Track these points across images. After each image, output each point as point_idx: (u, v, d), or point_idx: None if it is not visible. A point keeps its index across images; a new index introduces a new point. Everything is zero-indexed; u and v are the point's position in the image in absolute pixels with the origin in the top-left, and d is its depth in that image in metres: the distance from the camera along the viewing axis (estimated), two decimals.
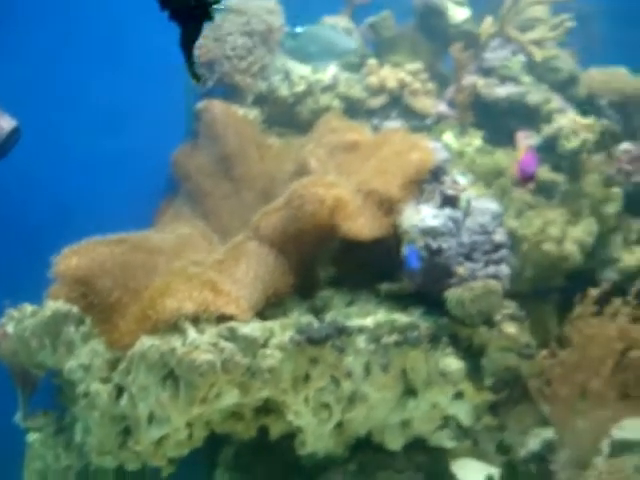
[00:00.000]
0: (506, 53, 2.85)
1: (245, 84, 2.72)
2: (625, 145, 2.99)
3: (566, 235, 2.60)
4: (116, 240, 1.98)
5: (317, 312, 2.05)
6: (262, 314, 1.98)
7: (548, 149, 2.67)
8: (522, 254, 2.53)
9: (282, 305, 2.05)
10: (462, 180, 2.21)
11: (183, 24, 1.12)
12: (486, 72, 2.82)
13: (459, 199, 2.14)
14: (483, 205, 2.21)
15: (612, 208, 2.77)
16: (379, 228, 2.00)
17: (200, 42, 2.69)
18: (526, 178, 2.18)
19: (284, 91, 2.78)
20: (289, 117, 2.84)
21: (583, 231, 2.66)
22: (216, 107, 2.57)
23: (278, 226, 1.97)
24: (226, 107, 2.58)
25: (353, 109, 2.82)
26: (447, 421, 2.11)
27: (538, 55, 2.84)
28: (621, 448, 2.51)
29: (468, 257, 2.13)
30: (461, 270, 2.08)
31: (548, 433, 2.40)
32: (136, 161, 2.52)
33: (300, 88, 2.78)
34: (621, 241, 2.89)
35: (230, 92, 2.78)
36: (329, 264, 2.14)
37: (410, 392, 2.05)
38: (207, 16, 1.26)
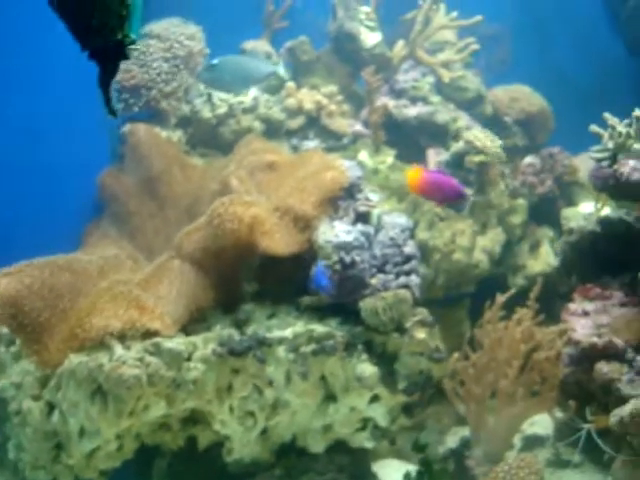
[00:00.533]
0: (416, 75, 3.03)
1: (170, 108, 2.83)
2: (529, 159, 3.21)
3: (475, 245, 2.78)
4: (44, 262, 2.06)
5: (240, 325, 2.16)
6: (186, 329, 2.08)
7: (456, 164, 2.86)
8: (434, 263, 2.70)
9: (206, 320, 2.16)
10: (373, 197, 2.36)
11: (101, 64, 1.22)
12: (398, 93, 2.99)
13: (370, 215, 2.29)
14: (393, 220, 2.37)
15: (518, 218, 2.97)
16: (295, 244, 2.13)
17: (126, 67, 2.80)
18: (461, 195, 2.29)
19: (206, 113, 2.89)
20: (212, 138, 2.95)
21: (491, 240, 2.85)
22: (140, 130, 2.66)
23: (199, 244, 2.08)
24: (150, 130, 2.68)
25: (273, 130, 2.96)
26: (366, 423, 2.24)
27: (445, 76, 3.03)
28: (532, 443, 2.71)
29: (381, 269, 2.28)
30: (374, 281, 2.23)
31: (466, 431, 2.57)
32: (60, 183, 2.59)
33: (222, 110, 2.89)
34: (527, 248, 3.10)
35: (155, 115, 2.88)
36: (252, 279, 2.26)
37: (330, 397, 2.18)
38: (124, 56, 1.38)
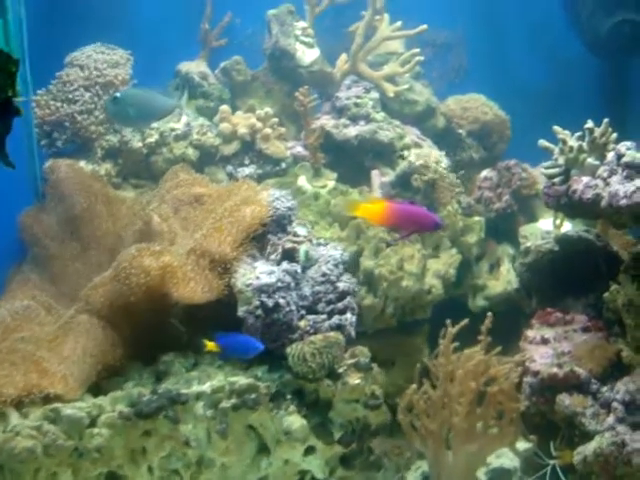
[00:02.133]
0: (359, 90, 2.87)
1: (95, 139, 2.69)
2: (485, 173, 3.05)
3: (426, 269, 2.63)
4: None
5: (160, 378, 2.02)
6: (100, 386, 1.94)
7: (402, 185, 2.71)
8: (382, 292, 2.54)
9: (123, 374, 2.01)
10: (302, 231, 2.21)
11: None
12: (339, 111, 2.85)
13: (298, 251, 2.14)
14: (327, 253, 2.23)
15: (473, 237, 2.82)
16: (213, 290, 1.99)
17: (46, 101, 2.66)
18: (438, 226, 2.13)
19: (136, 143, 2.75)
20: (145, 168, 2.81)
21: (444, 263, 2.70)
22: (61, 167, 2.52)
23: (107, 299, 1.94)
24: (72, 166, 2.54)
25: (208, 157, 2.81)
26: (303, 476, 2.10)
27: (390, 90, 2.88)
28: (499, 476, 2.56)
29: (311, 309, 2.13)
30: (303, 324, 2.08)
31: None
32: None
33: (153, 139, 2.75)
34: (487, 268, 2.95)
35: (80, 148, 2.74)
36: (174, 327, 2.12)
37: (264, 449, 2.04)
38: (15, 112, 1.27)
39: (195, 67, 3.05)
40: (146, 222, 2.29)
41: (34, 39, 2.81)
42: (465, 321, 2.26)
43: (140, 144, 2.75)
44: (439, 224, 2.13)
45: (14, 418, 1.74)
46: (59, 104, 2.63)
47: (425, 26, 2.88)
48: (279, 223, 2.26)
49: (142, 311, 1.98)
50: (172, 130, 2.79)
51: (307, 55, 2.86)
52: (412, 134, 2.91)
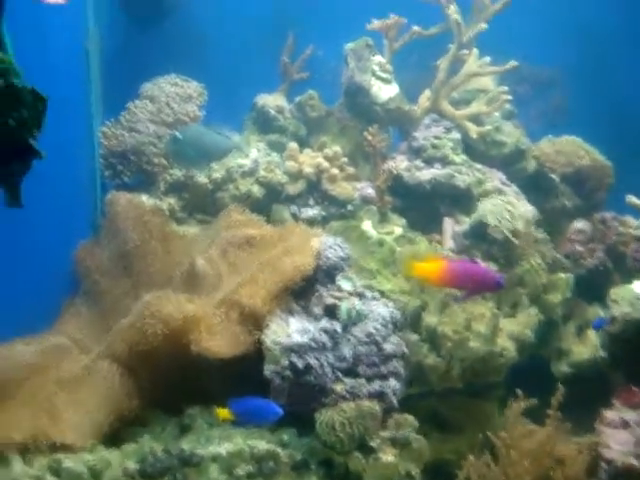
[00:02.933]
0: (438, 130, 2.69)
1: (160, 173, 2.65)
2: (579, 224, 2.79)
3: (498, 330, 2.40)
4: None
5: (184, 431, 1.92)
6: (119, 434, 1.87)
7: (478, 235, 2.49)
8: (446, 352, 2.34)
9: (147, 423, 1.93)
10: (347, 285, 2.06)
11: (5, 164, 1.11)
12: (416, 151, 2.67)
13: (339, 308, 1.99)
14: (376, 310, 2.06)
15: (558, 296, 2.56)
16: (240, 345, 1.87)
17: (113, 132, 2.65)
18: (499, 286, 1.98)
19: (202, 178, 2.68)
20: (211, 203, 2.74)
21: (520, 324, 2.46)
22: (120, 200, 2.49)
23: (126, 345, 1.86)
24: (131, 199, 2.50)
25: (274, 194, 2.71)
26: None
27: (473, 131, 2.68)
28: None
29: (350, 372, 1.97)
30: (338, 388, 1.92)
31: None
32: (38, 256, 2.45)
33: (218, 174, 2.68)
34: (574, 331, 2.68)
35: (145, 182, 2.70)
36: (202, 378, 2.01)
37: None
38: (34, 153, 1.21)
39: (272, 100, 2.97)
40: (191, 264, 2.21)
41: (110, 69, 2.83)
42: (534, 401, 2.03)
43: (206, 179, 2.68)
44: (500, 284, 1.96)
45: (17, 465, 1.68)
46: (126, 136, 2.61)
47: (515, 62, 2.66)
48: (329, 274, 2.12)
49: (164, 360, 1.89)
50: (239, 166, 2.71)
51: (384, 92, 2.70)
52: (496, 179, 2.69)
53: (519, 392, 2.03)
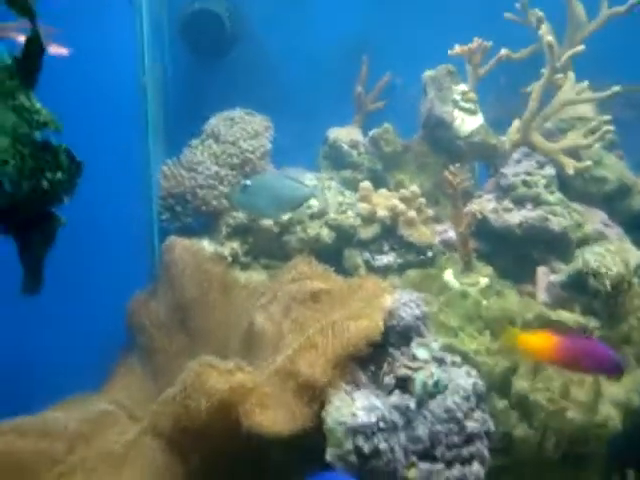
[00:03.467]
0: (530, 166, 2.39)
1: (219, 214, 2.46)
2: None
3: (601, 396, 2.09)
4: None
5: None
6: None
7: (577, 287, 2.18)
8: (539, 421, 2.05)
9: None
10: (423, 354, 1.79)
11: (26, 236, 0.93)
12: (504, 190, 2.38)
13: (413, 380, 1.72)
14: (454, 380, 1.79)
15: None
16: (297, 420, 1.62)
17: (172, 172, 2.48)
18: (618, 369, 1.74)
19: (267, 220, 2.47)
20: (277, 247, 2.53)
21: (627, 388, 2.14)
22: (176, 247, 2.30)
23: (169, 420, 1.65)
24: (189, 246, 2.31)
25: (346, 238, 2.47)
26: None
27: (570, 167, 2.37)
28: None
29: (426, 455, 1.70)
30: (411, 474, 1.66)
31: None
32: (88, 309, 2.30)
33: (285, 216, 2.46)
34: None
35: (206, 225, 2.52)
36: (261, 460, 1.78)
37: None
38: (56, 222, 1.05)
39: (345, 134, 2.74)
40: (250, 323, 2.00)
41: (173, 105, 2.68)
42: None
43: (271, 222, 2.48)
44: (620, 368, 1.73)
45: None
46: (185, 176, 2.43)
47: (618, 88, 2.34)
48: (404, 335, 1.86)
49: (214, 438, 1.66)
50: (308, 207, 2.49)
51: (467, 123, 2.44)
52: (596, 220, 2.37)
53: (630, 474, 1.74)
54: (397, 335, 1.87)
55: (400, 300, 1.92)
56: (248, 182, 2.10)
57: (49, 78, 1.97)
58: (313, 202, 2.50)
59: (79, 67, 2.22)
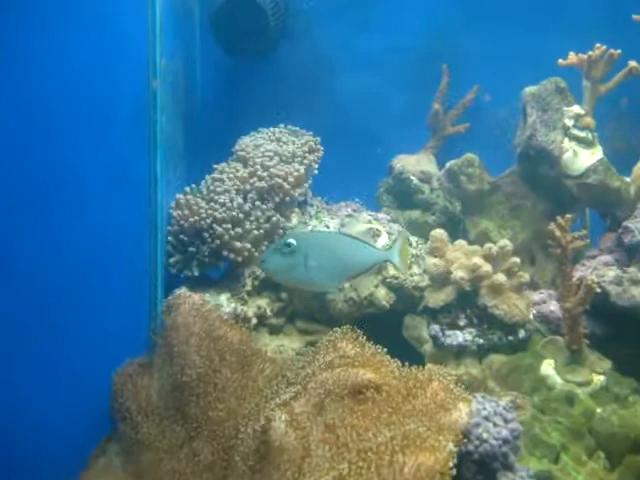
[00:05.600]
0: None
1: (243, 261, 1.91)
2: None
3: None
4: None
5: None
6: None
7: None
8: None
9: None
10: None
11: None
12: (630, 251, 1.77)
13: None
14: None
15: None
16: None
17: (188, 202, 1.96)
18: None
19: None
20: (318, 307, 1.98)
21: None
22: (183, 305, 1.77)
23: None
24: (197, 304, 1.77)
25: (408, 304, 1.91)
26: None
27: None
28: None
29: None
30: None
31: None
32: (65, 382, 1.79)
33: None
34: None
35: (226, 273, 1.98)
36: None
37: None
38: None
39: (414, 163, 2.18)
40: (265, 428, 1.44)
41: (203, 118, 2.17)
42: None
43: None
44: None
45: None
46: (203, 208, 1.89)
47: None
48: (484, 466, 1.31)
49: None
50: None
51: (581, 158, 1.84)
52: None
53: None
54: (474, 467, 1.31)
55: (480, 412, 1.37)
56: (292, 240, 1.56)
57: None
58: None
59: (67, 68, 1.72)
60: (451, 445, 1.22)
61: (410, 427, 1.29)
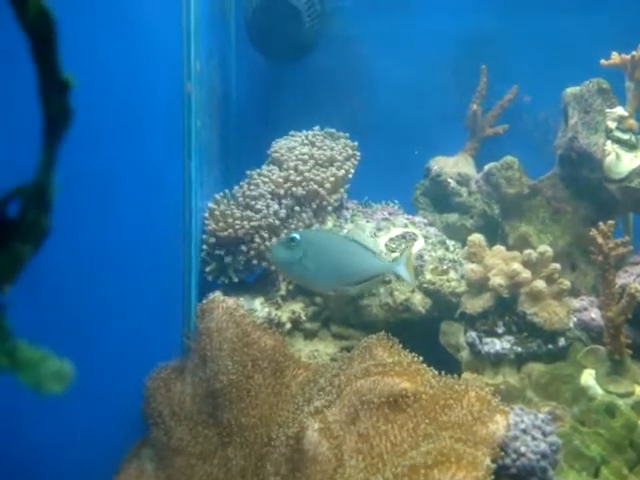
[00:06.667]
0: None
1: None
2: None
3: None
4: None
5: None
6: None
7: None
8: None
9: None
10: None
11: None
12: None
13: None
14: None
15: None
16: None
17: (223, 211, 1.95)
18: None
19: None
20: (353, 312, 1.96)
21: None
22: (217, 309, 1.76)
23: None
24: (231, 309, 1.76)
25: (445, 309, 1.88)
26: None
27: None
28: None
29: None
30: None
31: None
32: (97, 387, 1.79)
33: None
34: None
35: (262, 279, 1.97)
36: None
37: None
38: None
39: (452, 165, 2.15)
40: (298, 436, 1.43)
41: (239, 121, 2.16)
42: None
43: None
44: None
45: None
46: (237, 216, 1.89)
47: None
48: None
49: None
50: (394, 260, 1.91)
51: (624, 161, 1.79)
52: None
53: None
54: None
55: (518, 424, 1.34)
56: (296, 235, 1.55)
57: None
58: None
59: (98, 69, 1.72)
60: (488, 461, 1.19)
61: (446, 441, 1.26)
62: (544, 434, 1.35)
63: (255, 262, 1.90)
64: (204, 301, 1.81)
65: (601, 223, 1.58)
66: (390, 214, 2.11)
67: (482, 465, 1.17)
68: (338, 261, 1.58)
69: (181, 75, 1.81)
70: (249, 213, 1.89)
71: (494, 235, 2.02)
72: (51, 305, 1.77)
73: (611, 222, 1.57)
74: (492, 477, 1.17)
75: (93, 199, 1.77)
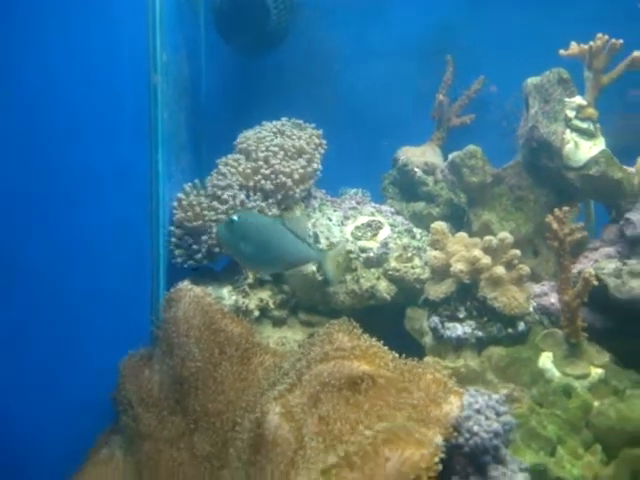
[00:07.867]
0: None
1: None
2: None
3: None
4: None
5: None
6: None
7: None
8: None
9: None
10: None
11: None
12: (631, 244, 1.76)
13: None
14: None
15: None
16: None
17: (191, 200, 1.98)
18: None
19: (312, 266, 1.94)
20: (320, 299, 1.99)
21: None
22: (184, 298, 1.79)
23: None
24: (198, 297, 1.79)
25: (409, 295, 1.91)
26: None
27: None
28: None
29: None
30: None
31: None
32: (67, 372, 1.82)
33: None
34: None
35: (230, 267, 2.00)
36: None
37: None
38: None
39: (419, 155, 2.18)
40: (259, 420, 1.46)
41: (210, 112, 2.18)
42: None
43: (313, 267, 1.94)
44: None
45: None
46: (204, 204, 1.91)
47: None
48: (475, 459, 1.31)
49: None
50: (362, 250, 1.94)
51: (582, 149, 1.83)
52: None
53: None
54: (464, 460, 1.32)
55: (472, 405, 1.36)
56: (235, 217, 1.59)
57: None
58: (369, 244, 1.95)
59: (64, 62, 1.74)
60: (439, 439, 1.23)
61: (399, 421, 1.30)
62: (497, 414, 1.38)
63: (217, 250, 1.93)
64: (172, 290, 1.84)
65: (556, 209, 1.61)
66: (358, 203, 2.14)
67: (432, 444, 1.21)
68: (271, 247, 1.61)
69: (147, 67, 1.84)
70: (215, 204, 1.92)
71: (460, 223, 2.05)
72: (22, 294, 1.80)
73: (566, 208, 1.61)
74: (442, 454, 1.21)
75: (59, 192, 1.80)
